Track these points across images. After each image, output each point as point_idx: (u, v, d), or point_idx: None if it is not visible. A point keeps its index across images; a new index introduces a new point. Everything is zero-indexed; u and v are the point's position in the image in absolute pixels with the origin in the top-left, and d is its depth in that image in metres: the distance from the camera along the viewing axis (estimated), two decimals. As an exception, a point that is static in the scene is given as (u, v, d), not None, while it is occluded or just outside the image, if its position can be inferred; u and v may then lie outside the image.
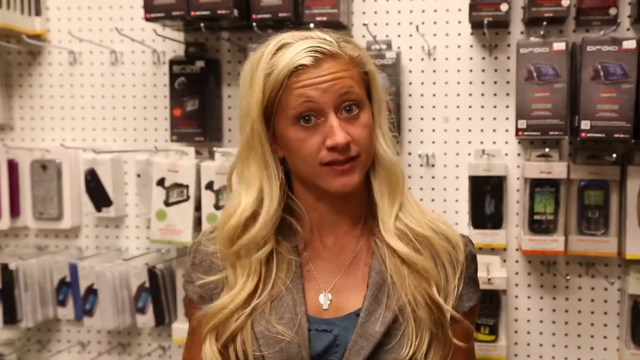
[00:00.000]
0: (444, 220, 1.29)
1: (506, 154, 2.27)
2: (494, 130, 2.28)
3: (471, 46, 2.29)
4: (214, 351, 1.22)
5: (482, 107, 2.29)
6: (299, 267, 1.24)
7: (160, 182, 2.34)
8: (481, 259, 2.22)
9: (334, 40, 1.20)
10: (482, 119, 2.29)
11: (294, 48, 1.16)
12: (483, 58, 2.28)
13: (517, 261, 2.30)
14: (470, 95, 2.29)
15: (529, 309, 2.30)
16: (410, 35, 2.30)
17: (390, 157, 1.23)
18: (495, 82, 2.28)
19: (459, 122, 2.30)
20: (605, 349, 2.27)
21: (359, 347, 1.17)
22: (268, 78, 1.15)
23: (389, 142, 1.24)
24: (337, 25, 2.23)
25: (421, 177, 2.32)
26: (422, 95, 2.32)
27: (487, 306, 2.21)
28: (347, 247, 1.25)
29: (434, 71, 2.31)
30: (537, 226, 2.16)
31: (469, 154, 2.29)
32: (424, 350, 1.17)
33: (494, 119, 2.28)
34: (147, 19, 2.20)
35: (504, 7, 2.10)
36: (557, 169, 2.14)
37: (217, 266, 1.27)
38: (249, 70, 1.19)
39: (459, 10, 2.26)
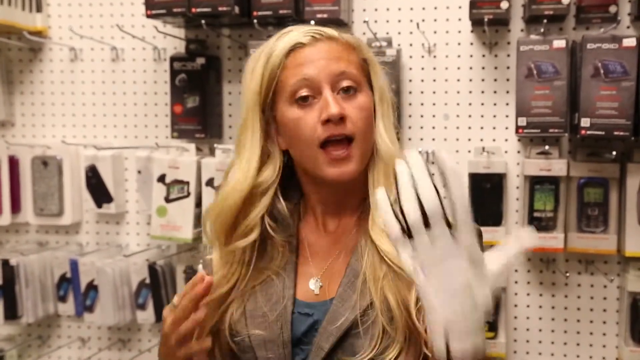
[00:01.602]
0: None
1: (506, 152, 2.28)
2: (494, 128, 2.29)
3: (471, 44, 2.29)
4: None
5: (482, 104, 2.29)
6: (295, 250, 1.25)
7: (161, 179, 2.35)
8: (481, 256, 2.24)
9: (334, 30, 1.24)
10: (482, 116, 2.29)
11: (294, 31, 1.21)
12: (483, 55, 2.28)
13: (516, 258, 2.30)
14: (470, 92, 2.30)
15: (528, 306, 2.30)
16: (411, 33, 2.31)
17: (390, 150, 1.22)
18: (495, 80, 2.28)
19: (459, 120, 2.31)
20: (604, 346, 2.27)
21: (328, 333, 1.17)
22: (268, 60, 1.19)
23: (391, 135, 1.23)
24: (337, 22, 2.23)
25: (421, 174, 2.32)
26: (422, 92, 2.33)
27: (487, 303, 2.21)
28: (345, 232, 1.26)
29: (434, 68, 2.31)
30: (536, 223, 2.17)
31: (469, 152, 2.29)
32: (392, 356, 1.14)
33: (494, 116, 2.29)
34: (148, 16, 2.21)
35: (504, 4, 2.10)
36: (557, 167, 2.15)
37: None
38: (253, 59, 1.24)
39: (459, 7, 2.26)
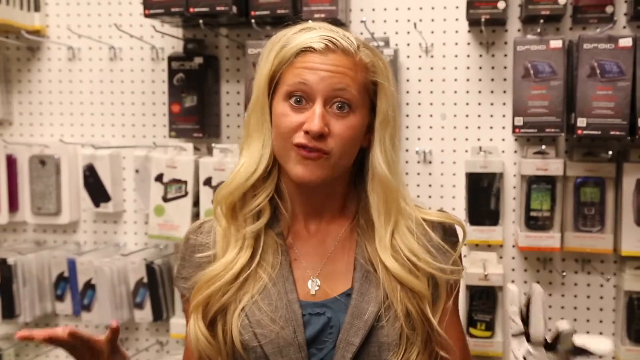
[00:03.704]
0: (430, 213, 1.29)
1: (503, 151, 2.29)
2: (491, 128, 2.30)
3: (468, 44, 2.30)
4: (200, 327, 1.22)
5: (479, 104, 2.30)
6: (285, 253, 1.25)
7: (159, 178, 2.35)
8: (478, 255, 2.26)
9: (355, 41, 1.22)
10: (479, 116, 2.30)
11: (313, 32, 1.20)
12: (480, 55, 2.29)
13: (513, 258, 2.32)
14: (467, 92, 2.30)
15: (525, 305, 2.31)
16: (408, 33, 2.31)
17: (386, 174, 1.22)
18: (492, 80, 2.29)
19: (456, 119, 2.31)
20: (600, 345, 2.28)
21: (356, 328, 1.18)
22: (280, 51, 1.20)
23: (389, 159, 1.23)
24: (335, 22, 2.24)
25: (418, 173, 2.33)
26: (419, 92, 2.33)
27: (484, 302, 2.22)
28: (331, 233, 1.27)
29: (432, 68, 2.32)
30: (533, 223, 2.18)
31: (466, 151, 2.30)
32: (414, 356, 1.20)
33: (491, 116, 2.29)
34: (146, 15, 2.21)
35: (501, 4, 2.11)
36: (554, 166, 2.16)
37: (207, 256, 1.28)
38: (271, 43, 1.24)
39: (457, 7, 2.27)
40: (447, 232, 1.28)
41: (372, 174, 1.23)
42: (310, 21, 1.26)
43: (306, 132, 1.16)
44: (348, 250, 1.26)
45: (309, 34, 1.20)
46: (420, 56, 2.32)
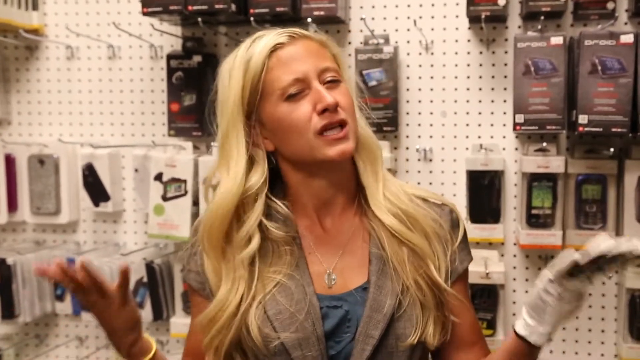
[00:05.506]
0: (425, 190, 1.35)
1: (504, 149, 2.28)
2: (492, 125, 2.29)
3: (469, 40, 2.29)
4: None
5: (480, 101, 2.29)
6: (301, 254, 1.26)
7: (158, 177, 2.34)
8: (479, 253, 2.24)
9: (302, 29, 1.27)
10: (479, 113, 2.29)
11: (269, 34, 1.23)
12: (480, 52, 2.28)
13: (514, 255, 2.31)
14: (467, 89, 2.29)
15: (526, 303, 2.30)
16: (408, 30, 2.30)
17: (367, 132, 1.28)
18: (493, 77, 2.28)
19: (457, 117, 2.30)
20: (602, 343, 2.27)
21: (375, 321, 1.20)
22: (248, 65, 1.21)
23: (364, 121, 1.29)
24: (334, 19, 2.23)
25: (419, 171, 2.32)
26: (419, 89, 2.32)
27: (485, 300, 2.21)
28: (344, 226, 1.28)
29: (432, 66, 2.31)
30: (534, 220, 2.17)
31: (467, 149, 2.29)
32: (430, 332, 1.22)
33: (492, 113, 2.28)
34: (145, 14, 2.20)
35: (501, 1, 2.10)
36: (555, 164, 2.15)
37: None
38: (227, 69, 1.24)
39: (457, 4, 2.26)
40: (454, 221, 1.32)
41: (357, 139, 1.26)
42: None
43: (322, 112, 1.18)
44: (362, 242, 1.27)
45: (267, 37, 1.23)
46: (420, 53, 2.31)
